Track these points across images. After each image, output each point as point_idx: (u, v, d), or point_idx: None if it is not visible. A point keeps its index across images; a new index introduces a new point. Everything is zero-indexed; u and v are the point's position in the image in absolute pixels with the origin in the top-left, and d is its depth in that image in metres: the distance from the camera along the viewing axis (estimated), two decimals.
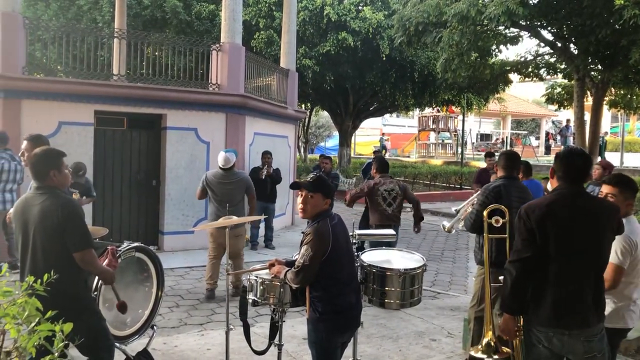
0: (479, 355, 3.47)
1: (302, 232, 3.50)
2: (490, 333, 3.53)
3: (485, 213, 4.00)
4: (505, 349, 3.44)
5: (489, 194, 4.48)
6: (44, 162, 3.37)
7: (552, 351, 2.99)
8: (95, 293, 3.71)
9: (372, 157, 12.49)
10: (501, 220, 3.93)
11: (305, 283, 3.40)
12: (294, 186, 3.67)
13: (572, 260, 2.96)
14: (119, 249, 3.98)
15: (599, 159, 17.46)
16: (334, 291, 3.37)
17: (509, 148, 26.89)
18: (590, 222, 3.00)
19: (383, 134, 37.04)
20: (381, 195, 6.67)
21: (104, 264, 3.50)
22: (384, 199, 6.66)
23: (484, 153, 15.07)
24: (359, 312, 3.56)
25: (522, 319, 3.10)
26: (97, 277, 3.71)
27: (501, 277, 3.53)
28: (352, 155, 25.21)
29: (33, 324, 2.13)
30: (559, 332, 2.95)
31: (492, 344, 3.46)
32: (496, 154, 9.68)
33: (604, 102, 15.33)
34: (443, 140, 32.05)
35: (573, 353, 2.99)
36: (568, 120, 24.02)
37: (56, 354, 2.04)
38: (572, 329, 2.95)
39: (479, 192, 4.72)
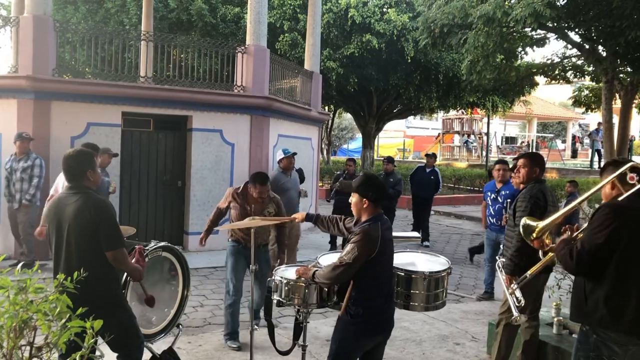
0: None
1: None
2: None
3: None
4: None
5: (537, 199, 4.36)
6: (80, 162, 3.41)
7: None
8: (124, 291, 3.76)
9: (425, 161, 11.59)
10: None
11: (339, 281, 3.39)
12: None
13: None
14: (146, 248, 4.03)
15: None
16: (371, 293, 3.36)
17: (534, 151, 26.52)
18: None
19: (469, 136, 31.33)
20: None
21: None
22: None
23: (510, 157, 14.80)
24: (391, 315, 3.54)
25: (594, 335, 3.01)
26: (125, 275, 3.76)
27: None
28: (376, 157, 25.13)
29: (64, 320, 2.18)
30: (635, 342, 2.88)
31: None
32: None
33: (633, 105, 15.06)
34: (468, 143, 31.74)
35: None
36: (599, 124, 23.53)
37: (87, 350, 2.08)
38: None
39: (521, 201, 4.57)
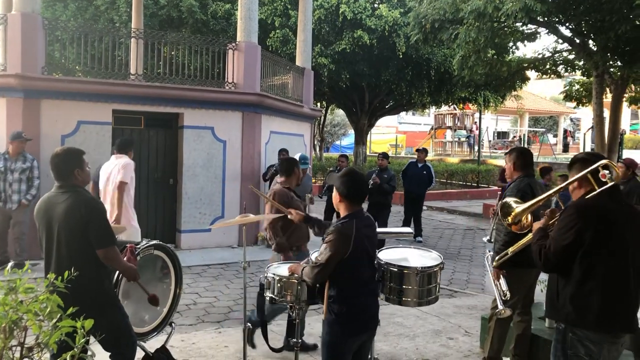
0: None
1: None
2: None
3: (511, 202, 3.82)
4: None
5: (525, 193, 4.35)
6: (67, 161, 3.40)
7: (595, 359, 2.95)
8: (115, 290, 3.75)
9: (416, 157, 11.53)
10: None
11: (319, 280, 3.37)
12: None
13: (618, 260, 2.92)
14: (138, 246, 4.01)
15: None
16: (350, 291, 3.32)
17: (526, 146, 26.64)
18: (632, 223, 3.00)
19: (471, 131, 30.97)
20: None
21: None
22: None
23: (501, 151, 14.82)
24: (376, 312, 3.50)
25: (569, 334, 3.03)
26: (116, 274, 3.74)
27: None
28: (368, 153, 25.14)
29: (55, 320, 2.16)
30: (609, 339, 2.92)
31: None
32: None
33: (624, 99, 15.13)
34: (459, 138, 31.82)
35: (614, 358, 2.99)
36: None
37: (78, 350, 2.06)
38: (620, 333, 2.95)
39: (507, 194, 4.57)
